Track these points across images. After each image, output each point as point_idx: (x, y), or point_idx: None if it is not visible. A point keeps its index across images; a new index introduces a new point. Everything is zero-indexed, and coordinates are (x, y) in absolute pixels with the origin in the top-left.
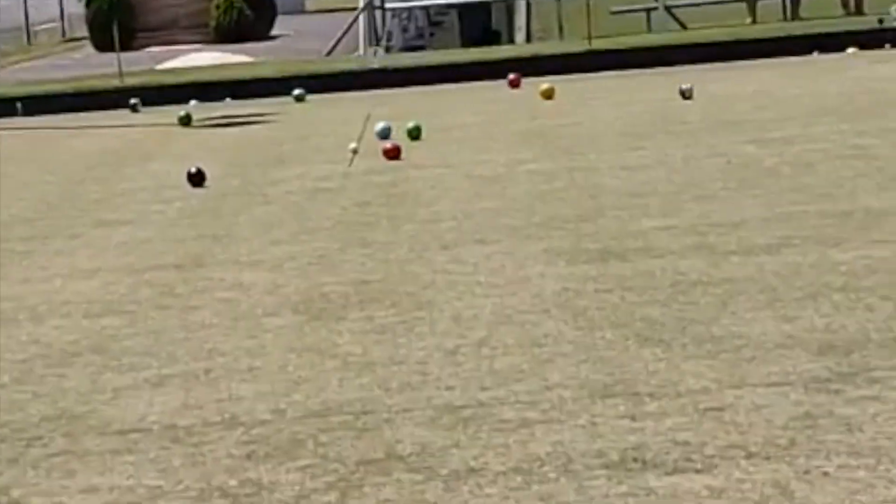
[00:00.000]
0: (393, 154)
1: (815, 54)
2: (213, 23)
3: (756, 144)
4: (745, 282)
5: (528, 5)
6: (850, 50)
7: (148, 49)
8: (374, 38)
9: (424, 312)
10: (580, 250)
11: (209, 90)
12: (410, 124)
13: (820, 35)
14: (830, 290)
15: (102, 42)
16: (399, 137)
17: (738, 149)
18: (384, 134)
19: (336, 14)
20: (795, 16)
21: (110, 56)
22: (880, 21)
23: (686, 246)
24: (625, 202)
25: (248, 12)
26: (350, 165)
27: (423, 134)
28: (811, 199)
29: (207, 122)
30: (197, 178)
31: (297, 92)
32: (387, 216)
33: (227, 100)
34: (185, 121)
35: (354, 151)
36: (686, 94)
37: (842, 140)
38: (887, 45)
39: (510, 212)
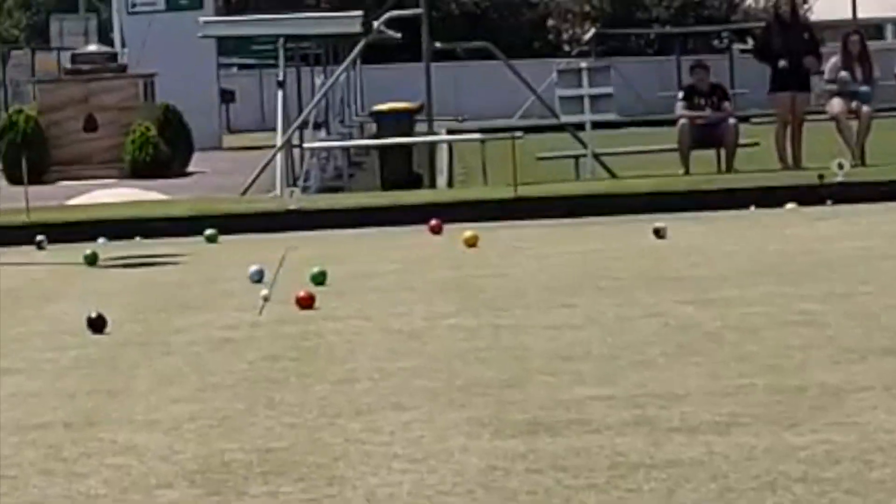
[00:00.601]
0: (306, 303)
1: (752, 209)
2: (127, 157)
3: (694, 305)
4: (692, 466)
5: (451, 148)
6: (789, 205)
7: (61, 183)
8: (291, 178)
9: (335, 489)
10: (506, 421)
11: (118, 228)
12: (315, 269)
13: (757, 189)
14: (789, 481)
15: (15, 175)
16: (304, 282)
17: (675, 309)
18: (257, 277)
19: (254, 151)
20: (730, 168)
21: (22, 189)
22: (821, 177)
23: (624, 420)
24: (554, 366)
25: (163, 148)
26: (260, 314)
27: (338, 281)
28: (758, 370)
29: (114, 262)
30: (97, 324)
31: (208, 232)
32: (297, 373)
33: (137, 238)
34: (91, 260)
35: (265, 298)
36: (660, 234)
37: (786, 304)
38: (828, 202)
39: (430, 373)
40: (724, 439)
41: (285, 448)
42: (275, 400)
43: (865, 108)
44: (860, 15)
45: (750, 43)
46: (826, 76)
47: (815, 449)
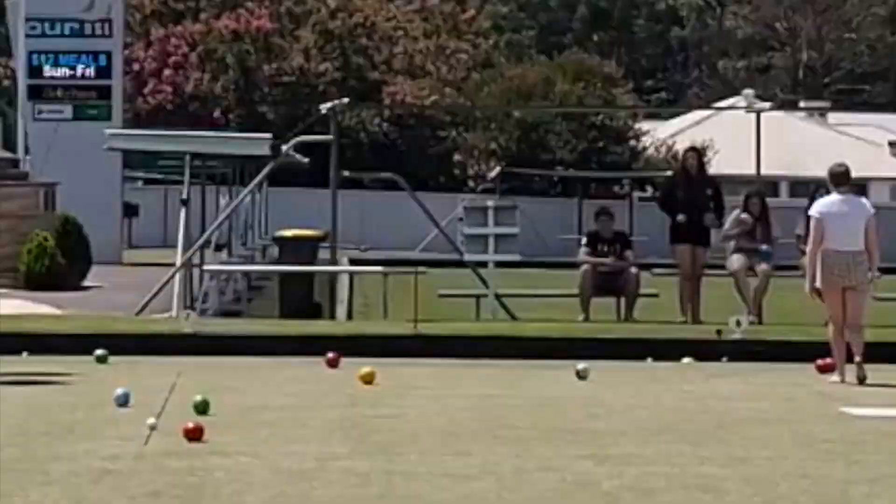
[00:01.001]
0: (194, 435)
1: (650, 361)
2: (23, 267)
3: (593, 460)
4: None
5: (352, 278)
6: (686, 360)
7: None
8: (189, 299)
9: None
10: None
11: (6, 342)
12: (198, 398)
13: (655, 340)
14: None
15: None
16: (186, 412)
17: (572, 464)
18: (122, 401)
19: (154, 269)
20: (629, 317)
21: None
22: (719, 332)
23: None
24: None
25: (60, 260)
26: (146, 444)
27: (229, 412)
28: None
29: None
30: None
31: (98, 352)
32: None
33: (25, 354)
34: None
35: (152, 427)
36: (582, 375)
37: (684, 465)
38: (724, 359)
39: None
40: None
41: None
42: None
43: (764, 266)
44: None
45: (650, 191)
46: (727, 227)
47: None
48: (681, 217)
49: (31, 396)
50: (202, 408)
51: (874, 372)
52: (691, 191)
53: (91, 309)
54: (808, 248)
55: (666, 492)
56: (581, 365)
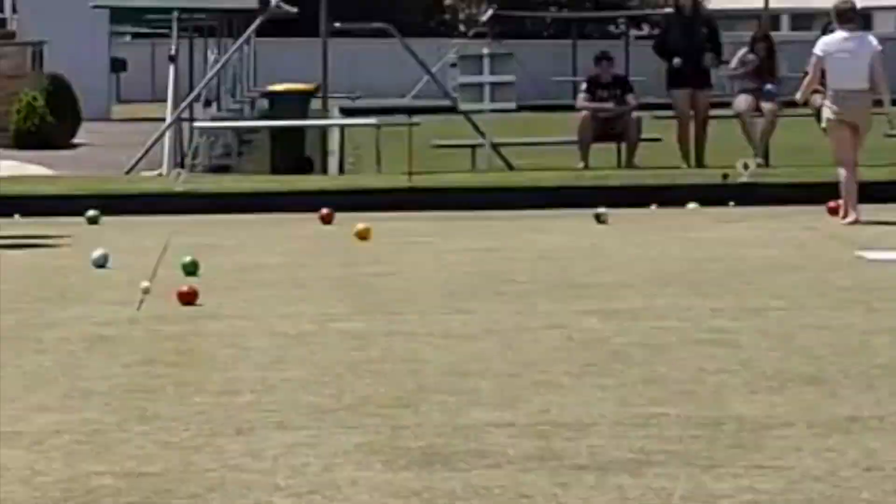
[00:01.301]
0: (187, 298)
1: (654, 208)
2: (12, 127)
3: (598, 316)
4: None
5: (342, 130)
6: (691, 205)
7: None
8: (179, 154)
9: None
10: (399, 449)
11: None
12: (186, 259)
13: (657, 187)
14: None
15: None
16: (179, 273)
17: (578, 320)
18: (100, 262)
19: (143, 123)
20: (630, 164)
21: None
22: (725, 176)
23: (527, 453)
24: (450, 383)
25: (50, 118)
26: (139, 309)
27: (222, 273)
28: (670, 397)
29: None
30: None
31: (90, 213)
32: (174, 382)
33: (17, 217)
34: None
35: (146, 291)
36: (601, 219)
37: (696, 319)
38: (731, 203)
39: (317, 386)
40: (636, 481)
41: (158, 473)
42: (148, 413)
43: (770, 105)
44: (760, 4)
45: (646, 29)
46: (732, 65)
47: (738, 499)
48: (677, 61)
49: (26, 260)
50: (191, 268)
51: (889, 212)
52: (686, 33)
53: (81, 168)
54: (806, 80)
55: (677, 347)
56: (601, 209)
